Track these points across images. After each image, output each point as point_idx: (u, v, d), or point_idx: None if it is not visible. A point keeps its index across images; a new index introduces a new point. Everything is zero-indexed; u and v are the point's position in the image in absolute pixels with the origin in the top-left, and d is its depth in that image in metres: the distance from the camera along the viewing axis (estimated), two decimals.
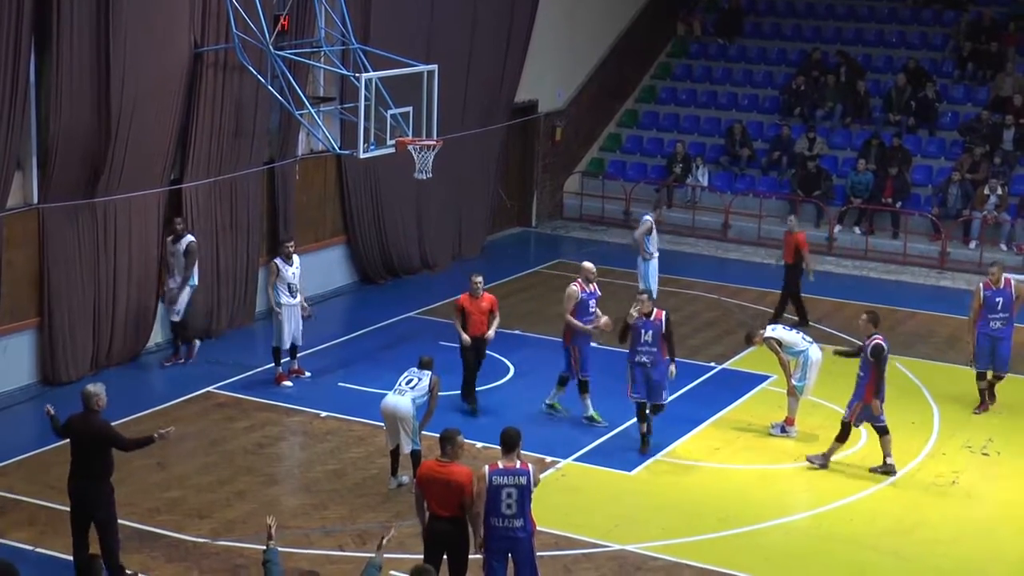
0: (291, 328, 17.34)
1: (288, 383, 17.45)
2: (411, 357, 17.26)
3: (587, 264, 16.90)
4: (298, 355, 17.74)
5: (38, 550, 12.62)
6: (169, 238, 18.10)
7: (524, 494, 10.91)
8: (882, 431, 15.26)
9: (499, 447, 11.16)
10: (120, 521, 12.08)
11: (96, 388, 11.90)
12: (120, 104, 17.03)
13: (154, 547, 12.86)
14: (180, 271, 18.01)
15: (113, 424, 12.12)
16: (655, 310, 15.62)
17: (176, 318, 18.16)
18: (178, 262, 17.97)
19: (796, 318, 20.61)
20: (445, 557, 11.22)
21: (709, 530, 13.66)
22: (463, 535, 11.11)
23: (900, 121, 27.61)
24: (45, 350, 17.04)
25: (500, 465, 10.98)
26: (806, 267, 20.66)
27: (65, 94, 16.44)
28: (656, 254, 21.08)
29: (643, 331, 15.47)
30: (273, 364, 17.56)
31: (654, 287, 20.57)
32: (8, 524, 13.21)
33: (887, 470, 15.22)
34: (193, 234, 18.22)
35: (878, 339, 15.10)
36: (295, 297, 17.35)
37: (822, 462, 15.35)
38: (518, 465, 10.98)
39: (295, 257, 17.48)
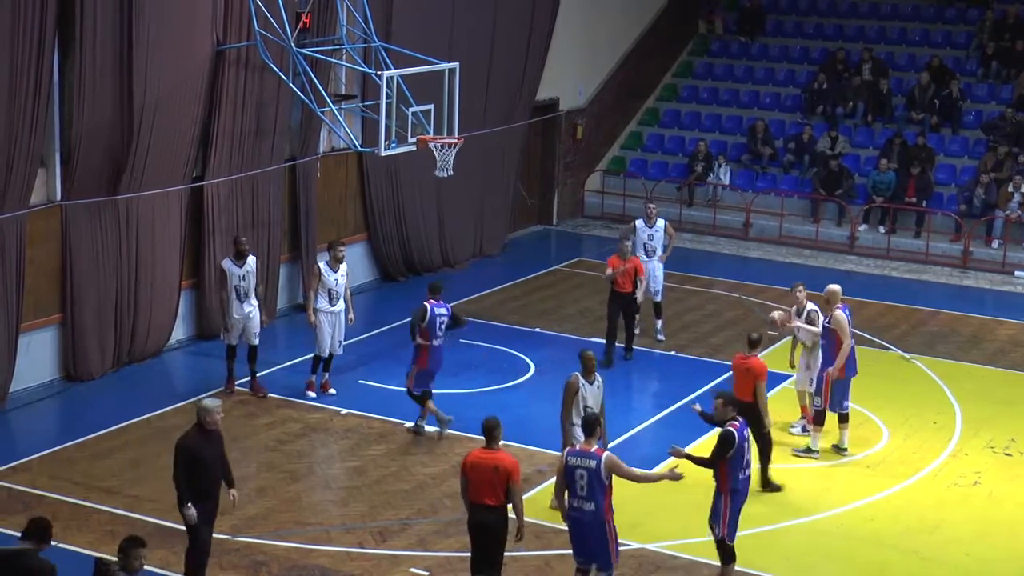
0: (329, 336, 16.74)
1: (312, 394, 16.94)
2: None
3: (836, 288, 15.71)
4: (331, 368, 17.06)
5: (60, 545, 12.66)
6: (237, 260, 16.72)
7: (594, 478, 11.05)
8: None
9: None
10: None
11: (210, 403, 11.51)
12: (143, 102, 17.10)
13: (175, 543, 12.88)
14: (252, 292, 16.75)
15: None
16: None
17: (255, 341, 16.87)
18: (249, 283, 16.71)
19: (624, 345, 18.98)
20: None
21: None
22: (505, 525, 11.25)
23: (923, 120, 27.50)
24: (68, 346, 17.12)
25: (577, 447, 11.33)
26: (638, 292, 18.54)
27: (88, 92, 16.52)
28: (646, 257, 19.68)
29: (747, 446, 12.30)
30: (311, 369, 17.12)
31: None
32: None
33: None
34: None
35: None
36: (334, 305, 16.67)
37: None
38: (593, 450, 11.15)
39: (343, 264, 16.78)
